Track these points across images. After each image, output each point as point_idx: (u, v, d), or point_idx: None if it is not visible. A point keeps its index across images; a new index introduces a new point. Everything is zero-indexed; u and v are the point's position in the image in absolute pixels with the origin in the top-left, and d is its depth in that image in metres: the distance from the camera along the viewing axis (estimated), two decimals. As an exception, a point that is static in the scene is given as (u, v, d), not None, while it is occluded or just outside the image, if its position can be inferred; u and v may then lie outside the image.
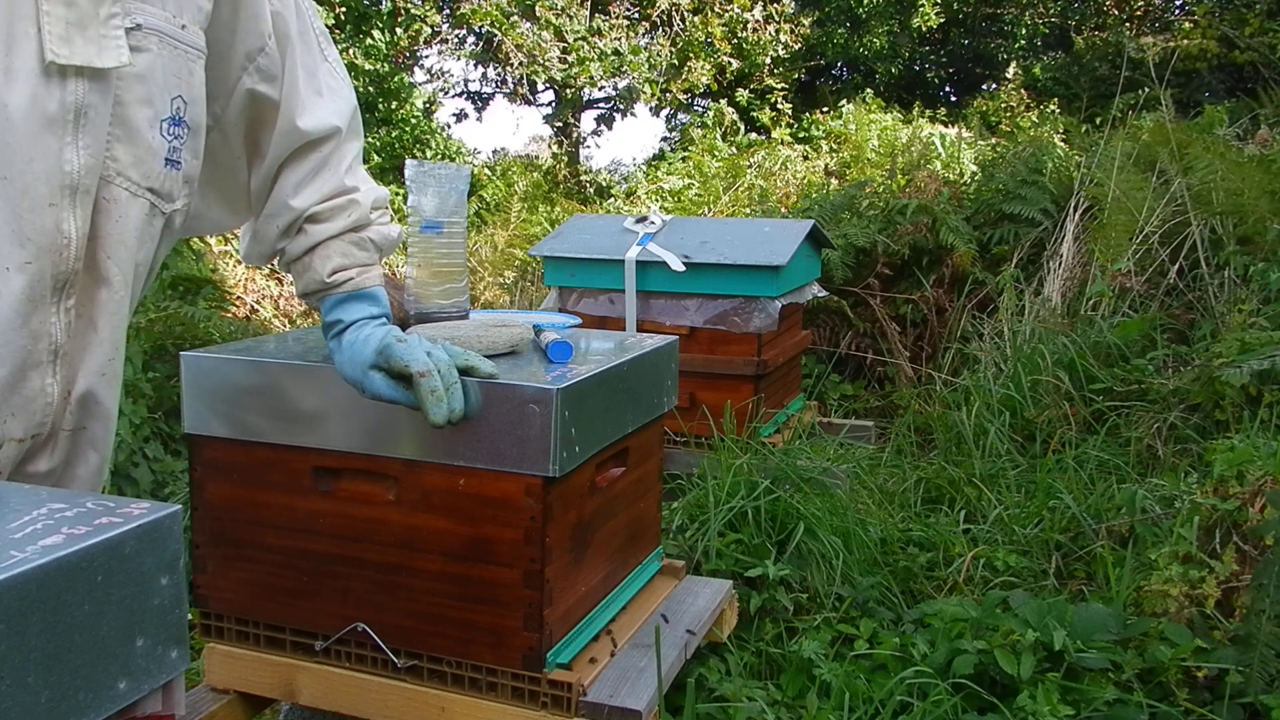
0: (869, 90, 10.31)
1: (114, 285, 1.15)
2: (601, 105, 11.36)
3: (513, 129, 32.32)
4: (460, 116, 12.61)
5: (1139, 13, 11.21)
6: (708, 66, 9.81)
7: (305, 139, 1.35)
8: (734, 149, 8.50)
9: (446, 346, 1.36)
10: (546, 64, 9.22)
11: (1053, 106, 8.77)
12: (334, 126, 1.37)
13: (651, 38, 9.96)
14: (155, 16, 1.13)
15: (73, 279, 1.11)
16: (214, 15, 1.23)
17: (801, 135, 9.26)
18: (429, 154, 9.04)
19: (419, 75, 11.00)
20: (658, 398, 1.80)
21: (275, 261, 1.46)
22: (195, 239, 4.26)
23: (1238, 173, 4.03)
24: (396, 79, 9.08)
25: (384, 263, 1.49)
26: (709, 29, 9.78)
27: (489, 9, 9.07)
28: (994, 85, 10.93)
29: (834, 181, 6.78)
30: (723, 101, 9.71)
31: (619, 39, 9.46)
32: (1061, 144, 5.71)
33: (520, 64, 9.35)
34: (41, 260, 1.08)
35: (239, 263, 5.17)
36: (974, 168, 5.83)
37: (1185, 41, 8.98)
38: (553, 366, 1.53)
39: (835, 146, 8.23)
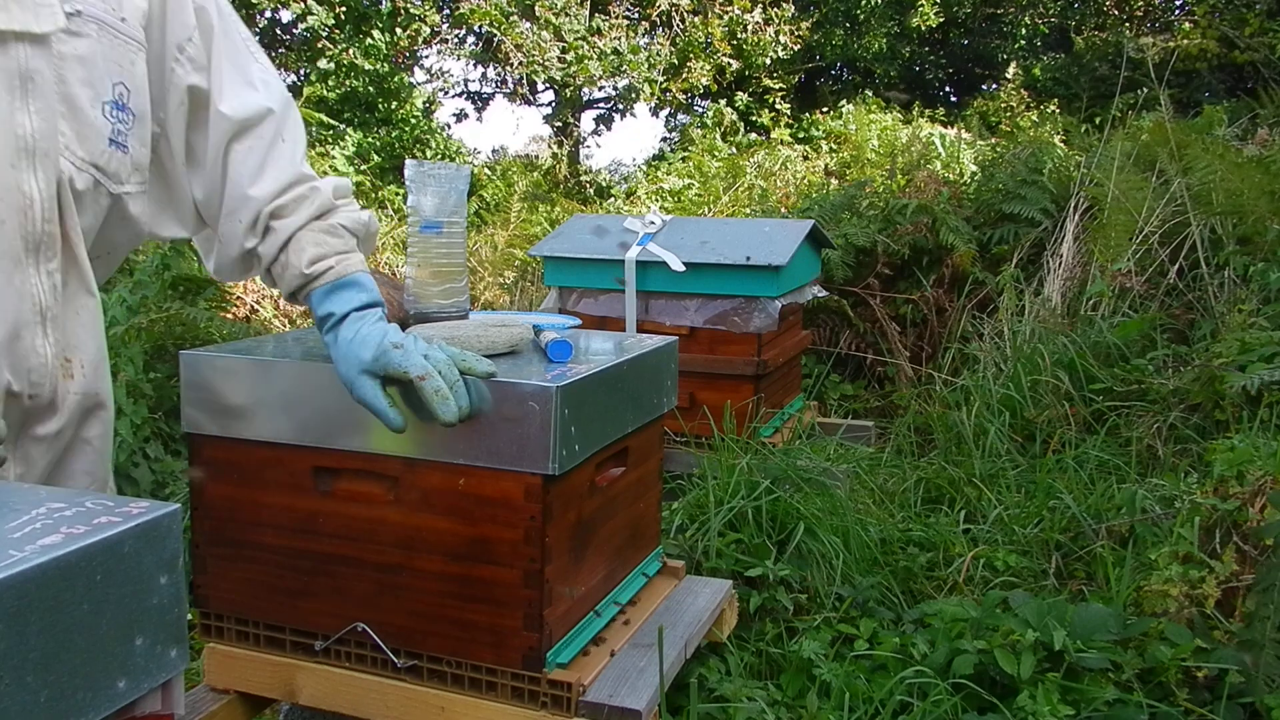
0: (868, 90, 10.32)
1: (78, 253, 1.21)
2: (601, 105, 11.36)
3: (513, 129, 32.40)
4: (460, 116, 12.65)
5: (1139, 13, 11.22)
6: (707, 67, 9.81)
7: (238, 123, 1.35)
8: (734, 149, 8.50)
9: (443, 346, 1.36)
10: (546, 64, 9.22)
11: (1053, 106, 8.78)
12: (265, 108, 1.37)
13: (651, 37, 9.97)
14: (95, 6, 1.18)
15: (47, 241, 1.16)
16: (149, 13, 1.26)
17: (801, 135, 9.26)
18: (429, 154, 9.05)
19: (419, 75, 11.02)
20: (658, 398, 1.80)
21: (257, 274, 1.45)
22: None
23: (1237, 173, 4.03)
24: (396, 79, 9.09)
25: (384, 263, 1.50)
26: (709, 29, 9.79)
27: (489, 9, 9.08)
28: (994, 85, 10.94)
29: (834, 181, 6.78)
30: (722, 102, 9.71)
31: (619, 38, 9.46)
32: (1061, 144, 5.71)
33: (520, 64, 9.35)
34: (11, 219, 1.12)
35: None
36: (974, 168, 5.84)
37: (1185, 41, 8.98)
38: (552, 365, 1.53)
39: (835, 146, 8.24)
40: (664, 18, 9.90)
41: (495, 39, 9.55)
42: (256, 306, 5.05)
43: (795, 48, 10.43)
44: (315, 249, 1.37)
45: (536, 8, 9.16)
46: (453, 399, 1.30)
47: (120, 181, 1.23)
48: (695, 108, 10.88)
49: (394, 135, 8.87)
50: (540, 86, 10.63)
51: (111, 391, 1.33)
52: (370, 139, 8.51)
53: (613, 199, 8.47)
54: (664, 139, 12.09)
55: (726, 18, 9.90)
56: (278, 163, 1.37)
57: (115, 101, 1.20)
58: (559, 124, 11.00)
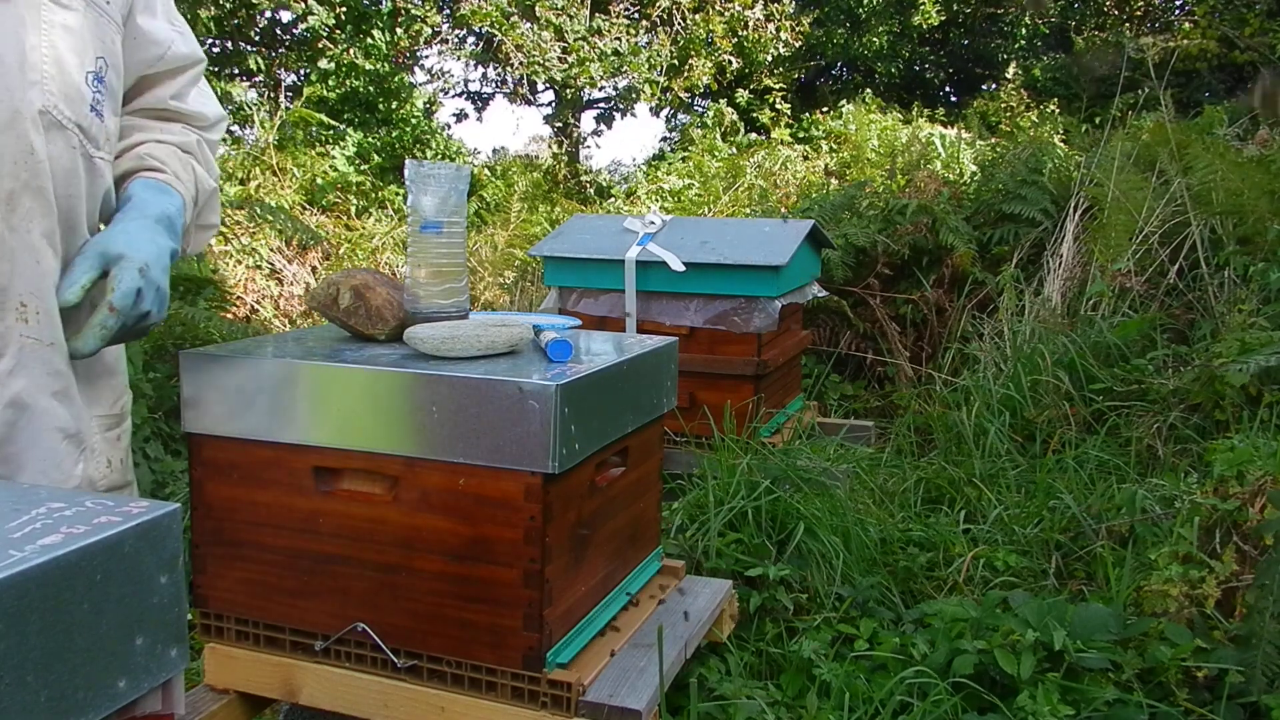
0: (869, 90, 10.32)
1: (51, 205, 1.24)
2: (601, 105, 11.36)
3: (513, 129, 32.43)
4: (460, 116, 12.68)
5: (1139, 13, 11.22)
6: (708, 65, 9.82)
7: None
8: (734, 149, 8.50)
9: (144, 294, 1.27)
10: (546, 64, 9.22)
11: (1053, 106, 8.78)
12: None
13: (652, 36, 9.96)
14: None
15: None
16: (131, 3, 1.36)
17: (801, 135, 9.26)
18: (429, 154, 9.05)
19: (419, 75, 11.03)
20: (658, 398, 1.80)
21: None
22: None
23: (1238, 173, 4.03)
24: (396, 79, 9.09)
25: (384, 263, 1.51)
26: (710, 26, 9.79)
27: (489, 9, 9.07)
28: (994, 85, 10.94)
29: (834, 181, 6.78)
30: (722, 102, 9.71)
31: (619, 38, 9.46)
32: (1061, 144, 5.71)
33: (520, 64, 9.35)
34: None
35: (239, 263, 5.17)
36: (974, 168, 5.84)
37: (1185, 41, 8.99)
38: (552, 365, 1.53)
39: (835, 146, 8.23)
40: (664, 16, 9.90)
41: (495, 39, 9.55)
42: (256, 306, 5.05)
43: (796, 44, 10.43)
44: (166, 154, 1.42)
45: (537, 8, 9.15)
46: (97, 341, 1.25)
47: (98, 146, 1.30)
48: (695, 107, 10.88)
49: (394, 135, 8.87)
50: (540, 87, 10.63)
51: (122, 368, 1.38)
52: (370, 139, 8.51)
53: (613, 199, 8.47)
54: (664, 139, 12.10)
55: (728, 14, 9.90)
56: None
57: (96, 73, 1.28)
58: (559, 124, 11.00)
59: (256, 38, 9.75)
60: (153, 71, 1.42)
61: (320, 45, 9.13)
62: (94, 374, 1.35)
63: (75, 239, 1.28)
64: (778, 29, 10.08)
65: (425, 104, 9.83)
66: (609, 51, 9.31)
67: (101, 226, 1.34)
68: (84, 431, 1.32)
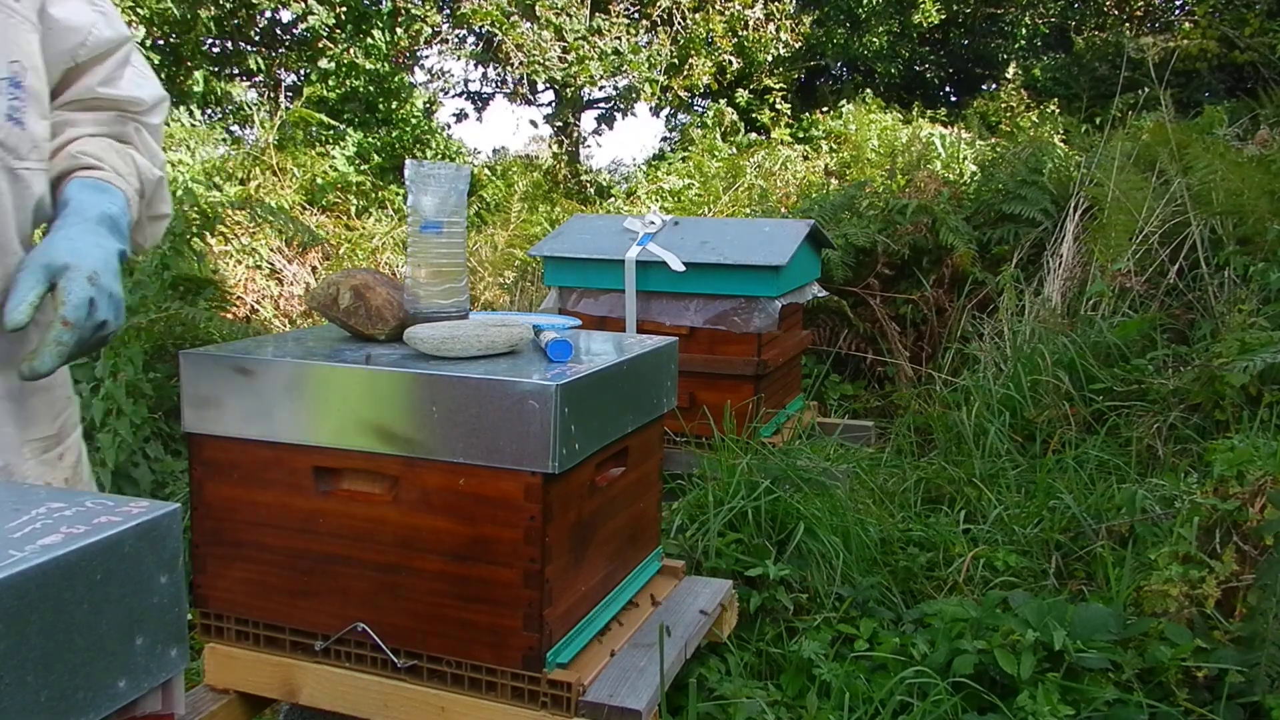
0: (869, 90, 10.33)
1: None
2: (601, 105, 11.36)
3: (513, 129, 32.41)
4: (460, 116, 12.68)
5: (1139, 13, 11.22)
6: (708, 65, 9.82)
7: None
8: (734, 149, 8.50)
9: (98, 304, 1.19)
10: (546, 64, 9.22)
11: (1053, 106, 8.78)
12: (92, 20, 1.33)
13: (653, 36, 9.97)
14: None
15: None
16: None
17: (801, 135, 9.26)
18: (429, 154, 9.05)
19: (419, 75, 11.03)
20: (658, 398, 1.80)
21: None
22: (196, 240, 4.26)
23: (1238, 173, 4.03)
24: (396, 79, 9.09)
25: (384, 263, 1.49)
26: (710, 26, 9.79)
27: (489, 9, 9.07)
28: (994, 85, 10.94)
29: (834, 181, 6.78)
30: (722, 101, 9.71)
31: (619, 38, 9.46)
32: (1061, 144, 5.71)
33: (520, 64, 9.35)
34: None
35: (239, 263, 5.17)
36: (974, 168, 5.84)
37: (1185, 41, 8.99)
38: (552, 365, 1.53)
39: (835, 146, 8.23)
40: (665, 15, 9.90)
41: (496, 39, 9.55)
42: (256, 306, 5.06)
43: (796, 44, 10.43)
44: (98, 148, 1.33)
45: (537, 7, 9.15)
46: (54, 359, 1.16)
47: (20, 156, 1.21)
48: (695, 107, 10.88)
49: (394, 135, 8.88)
50: (540, 86, 10.63)
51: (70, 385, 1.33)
52: (371, 139, 8.51)
53: (613, 199, 8.47)
54: (664, 139, 12.10)
55: (728, 14, 9.91)
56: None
57: (10, 79, 1.18)
58: (559, 124, 11.00)
59: (256, 38, 9.76)
60: (77, 61, 1.32)
61: (320, 45, 9.13)
62: (23, 394, 1.26)
63: (3, 256, 1.21)
64: (778, 29, 10.08)
65: (425, 104, 9.83)
66: (609, 51, 9.31)
67: (38, 237, 1.25)
68: (11, 464, 1.24)
